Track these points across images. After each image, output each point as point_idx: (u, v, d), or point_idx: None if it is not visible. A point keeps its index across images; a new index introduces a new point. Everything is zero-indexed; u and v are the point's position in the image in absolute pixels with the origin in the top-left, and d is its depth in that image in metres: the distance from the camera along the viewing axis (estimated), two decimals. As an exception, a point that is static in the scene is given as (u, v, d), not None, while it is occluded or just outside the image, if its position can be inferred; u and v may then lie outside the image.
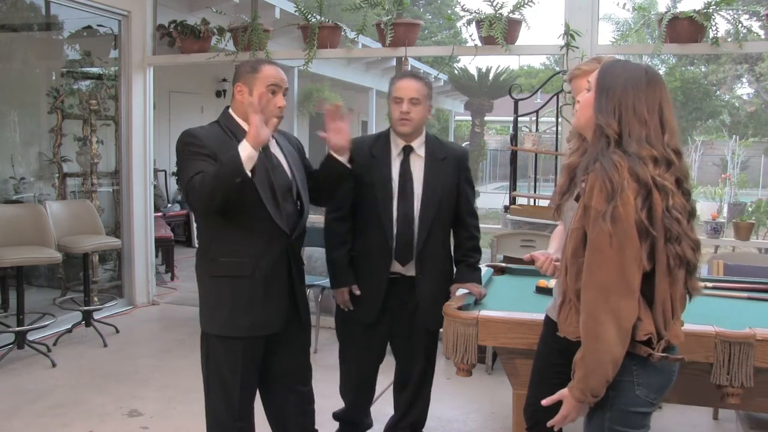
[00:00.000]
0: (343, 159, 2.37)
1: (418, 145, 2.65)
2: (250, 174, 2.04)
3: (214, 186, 2.05)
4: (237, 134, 2.22)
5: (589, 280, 1.58)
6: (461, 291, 2.67)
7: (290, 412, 2.49)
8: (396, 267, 2.63)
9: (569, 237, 1.67)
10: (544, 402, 1.72)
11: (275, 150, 2.35)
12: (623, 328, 1.56)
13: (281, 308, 2.30)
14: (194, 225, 8.67)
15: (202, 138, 2.19)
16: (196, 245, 2.34)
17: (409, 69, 5.03)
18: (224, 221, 2.19)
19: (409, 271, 2.65)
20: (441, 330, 2.49)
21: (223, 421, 2.31)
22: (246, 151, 2.02)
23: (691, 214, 1.63)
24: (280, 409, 2.49)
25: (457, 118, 21.42)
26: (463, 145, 20.53)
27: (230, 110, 2.32)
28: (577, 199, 1.68)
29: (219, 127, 2.28)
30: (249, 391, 2.35)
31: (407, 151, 2.63)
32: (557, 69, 8.00)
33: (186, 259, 7.77)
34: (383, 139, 2.68)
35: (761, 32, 5.09)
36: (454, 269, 2.79)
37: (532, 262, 2.06)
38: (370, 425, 3.01)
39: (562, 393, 1.68)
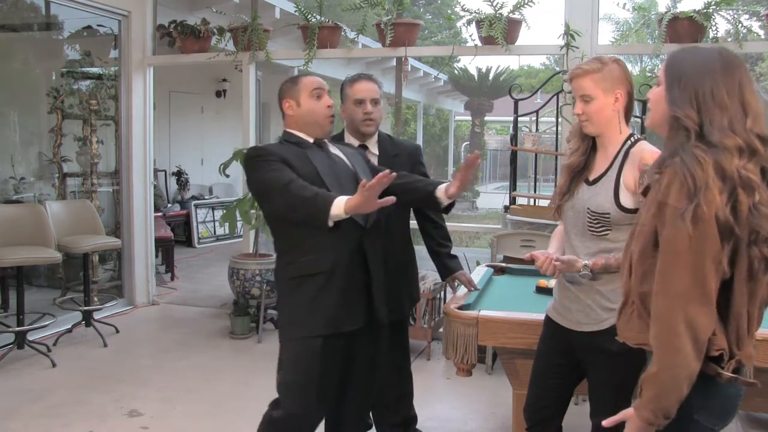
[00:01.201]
0: (446, 202, 2.31)
1: (372, 144, 2.70)
2: (330, 224, 2.06)
3: (297, 205, 2.10)
4: (300, 144, 2.31)
5: (664, 287, 1.42)
6: (461, 290, 2.69)
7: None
8: None
9: (636, 236, 1.53)
10: (605, 423, 1.54)
11: (333, 150, 2.38)
12: (700, 341, 1.40)
13: (360, 303, 2.24)
14: (194, 225, 8.70)
15: (268, 149, 2.28)
16: (274, 253, 2.39)
17: (409, 69, 5.03)
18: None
19: None
20: (413, 324, 2.50)
21: (297, 423, 2.28)
22: (338, 210, 2.02)
23: None
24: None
25: (457, 118, 21.39)
26: (464, 145, 20.59)
27: (286, 129, 2.38)
28: (644, 194, 1.56)
29: (280, 143, 2.36)
30: (326, 392, 2.27)
31: (362, 150, 2.67)
32: (557, 69, 8.00)
33: (186, 259, 7.78)
34: (338, 139, 2.73)
35: (761, 32, 5.10)
36: (417, 262, 2.86)
37: (532, 261, 2.05)
38: (369, 426, 3.01)
39: (626, 413, 1.49)
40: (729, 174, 1.38)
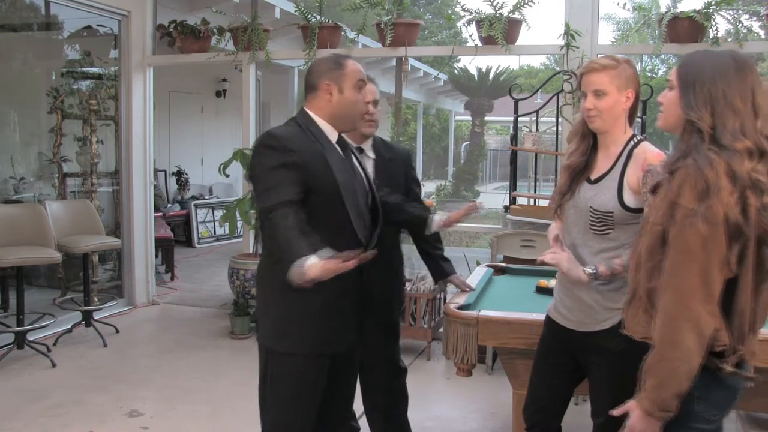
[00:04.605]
0: (435, 230, 2.44)
1: (368, 147, 2.67)
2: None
3: (274, 239, 1.93)
4: (320, 139, 2.06)
5: (670, 283, 1.47)
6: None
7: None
8: None
9: (645, 232, 1.57)
10: (613, 412, 1.59)
11: (369, 153, 2.32)
12: (703, 337, 1.45)
13: (351, 325, 2.15)
14: (194, 225, 8.69)
15: (287, 143, 1.98)
16: (260, 251, 2.27)
17: (409, 68, 5.03)
18: None
19: None
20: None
21: None
22: (298, 277, 1.79)
23: None
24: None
25: (457, 118, 21.40)
26: (464, 145, 20.59)
27: (308, 110, 2.11)
28: (653, 192, 1.58)
29: (299, 127, 2.07)
30: (311, 412, 2.16)
31: (358, 152, 2.62)
32: (557, 69, 8.01)
33: (186, 259, 7.78)
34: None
35: (761, 32, 5.10)
36: (403, 263, 2.85)
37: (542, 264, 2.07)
38: (357, 429, 2.96)
39: (630, 404, 1.55)
40: (739, 176, 1.43)
